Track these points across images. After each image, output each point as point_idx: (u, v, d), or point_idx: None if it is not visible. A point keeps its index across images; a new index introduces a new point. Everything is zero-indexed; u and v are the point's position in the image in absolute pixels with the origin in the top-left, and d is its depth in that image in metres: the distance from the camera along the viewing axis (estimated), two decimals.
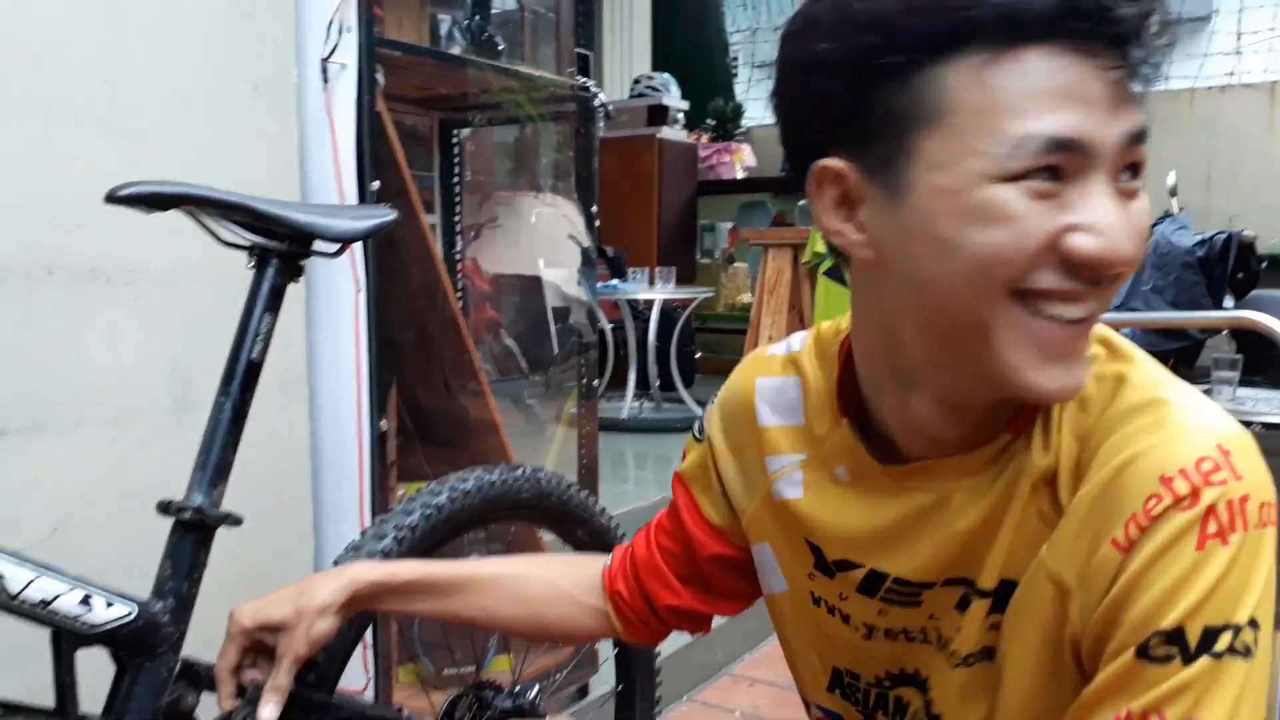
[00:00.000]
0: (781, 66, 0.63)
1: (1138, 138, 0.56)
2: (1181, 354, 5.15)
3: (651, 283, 4.32)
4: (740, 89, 6.74)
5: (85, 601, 0.83)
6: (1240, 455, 0.56)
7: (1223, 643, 0.53)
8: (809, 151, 0.61)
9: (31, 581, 0.79)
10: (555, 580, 0.93)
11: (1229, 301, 4.97)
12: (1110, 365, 0.62)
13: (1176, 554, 0.54)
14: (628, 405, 4.36)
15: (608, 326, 4.54)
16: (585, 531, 1.30)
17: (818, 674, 0.80)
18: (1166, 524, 0.55)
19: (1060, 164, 0.54)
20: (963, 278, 0.56)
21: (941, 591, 0.67)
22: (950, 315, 0.58)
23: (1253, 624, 0.54)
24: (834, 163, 0.60)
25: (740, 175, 5.96)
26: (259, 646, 0.87)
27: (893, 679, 0.74)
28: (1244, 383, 3.11)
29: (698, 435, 0.87)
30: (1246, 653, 0.54)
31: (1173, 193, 5.22)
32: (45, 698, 0.85)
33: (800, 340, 0.80)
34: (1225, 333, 5.23)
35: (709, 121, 6.16)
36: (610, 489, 3.13)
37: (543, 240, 2.44)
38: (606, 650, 1.46)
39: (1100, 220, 0.55)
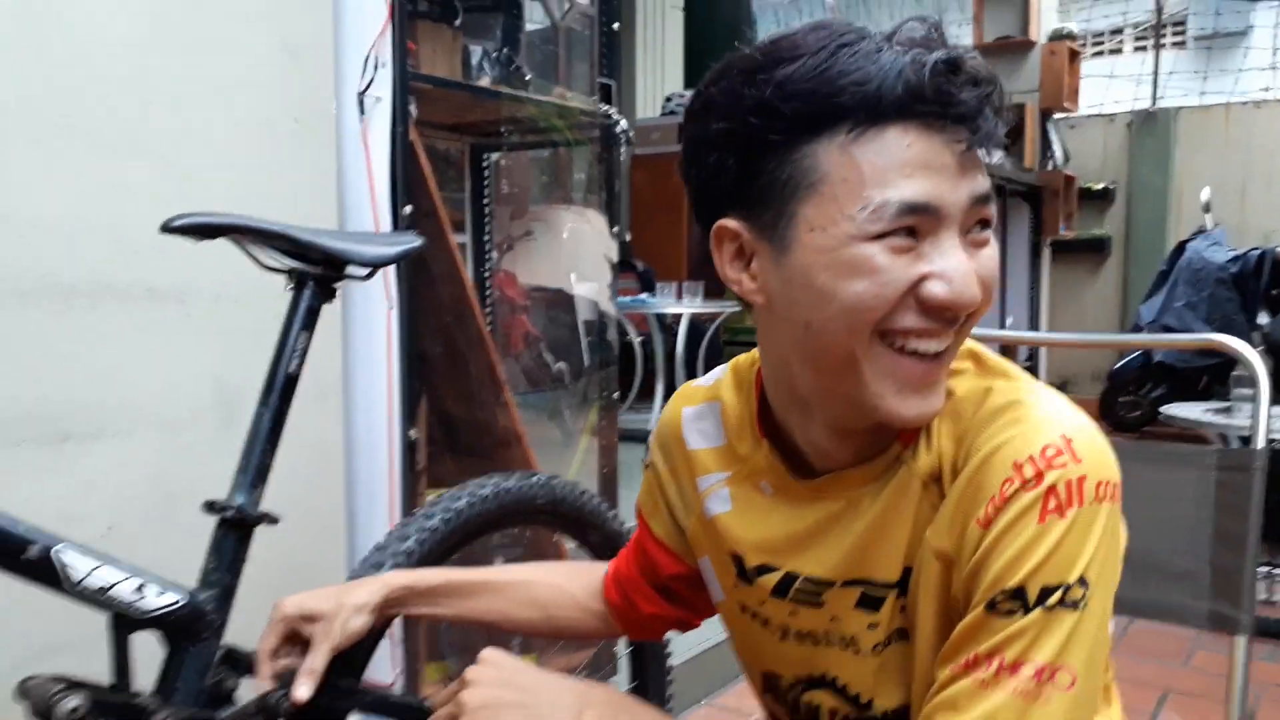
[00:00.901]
0: (685, 142, 0.72)
1: (982, 199, 0.66)
2: (1214, 371, 5.13)
3: (679, 297, 4.41)
4: None
5: (139, 589, 0.92)
6: (1080, 442, 0.65)
7: (1054, 598, 0.63)
8: (711, 212, 0.71)
9: (93, 570, 0.89)
10: (564, 585, 1.02)
11: (1263, 317, 4.95)
12: (979, 379, 0.72)
13: (1023, 527, 0.64)
14: (654, 417, 4.44)
15: (637, 340, 4.63)
16: (598, 536, 1.38)
17: (755, 677, 0.88)
18: (1016, 502, 0.64)
19: (915, 224, 0.64)
20: (837, 321, 0.66)
21: (841, 592, 0.75)
22: (827, 352, 0.68)
23: (1082, 582, 0.63)
24: (730, 223, 0.70)
25: None
26: (297, 637, 0.96)
27: (804, 682, 0.81)
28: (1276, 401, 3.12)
29: (645, 464, 0.96)
30: (1075, 605, 0.63)
31: (1206, 209, 5.21)
32: (105, 678, 0.95)
33: (722, 371, 0.89)
34: (1260, 349, 5.18)
35: None
36: (635, 497, 3.20)
37: (575, 254, 2.52)
38: (624, 651, 1.54)
39: (950, 269, 0.64)
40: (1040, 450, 0.64)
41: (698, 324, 4.65)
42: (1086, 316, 6.28)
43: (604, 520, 1.39)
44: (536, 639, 1.73)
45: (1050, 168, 5.99)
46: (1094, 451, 0.65)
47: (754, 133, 0.65)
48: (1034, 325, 5.90)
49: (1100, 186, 6.36)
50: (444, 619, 0.99)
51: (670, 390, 4.55)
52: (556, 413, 2.52)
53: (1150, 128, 6.23)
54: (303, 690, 0.90)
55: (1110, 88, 6.56)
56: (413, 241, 1.18)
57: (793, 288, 0.67)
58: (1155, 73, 6.36)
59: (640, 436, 4.24)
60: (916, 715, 0.72)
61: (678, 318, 4.45)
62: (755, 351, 0.84)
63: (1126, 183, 6.34)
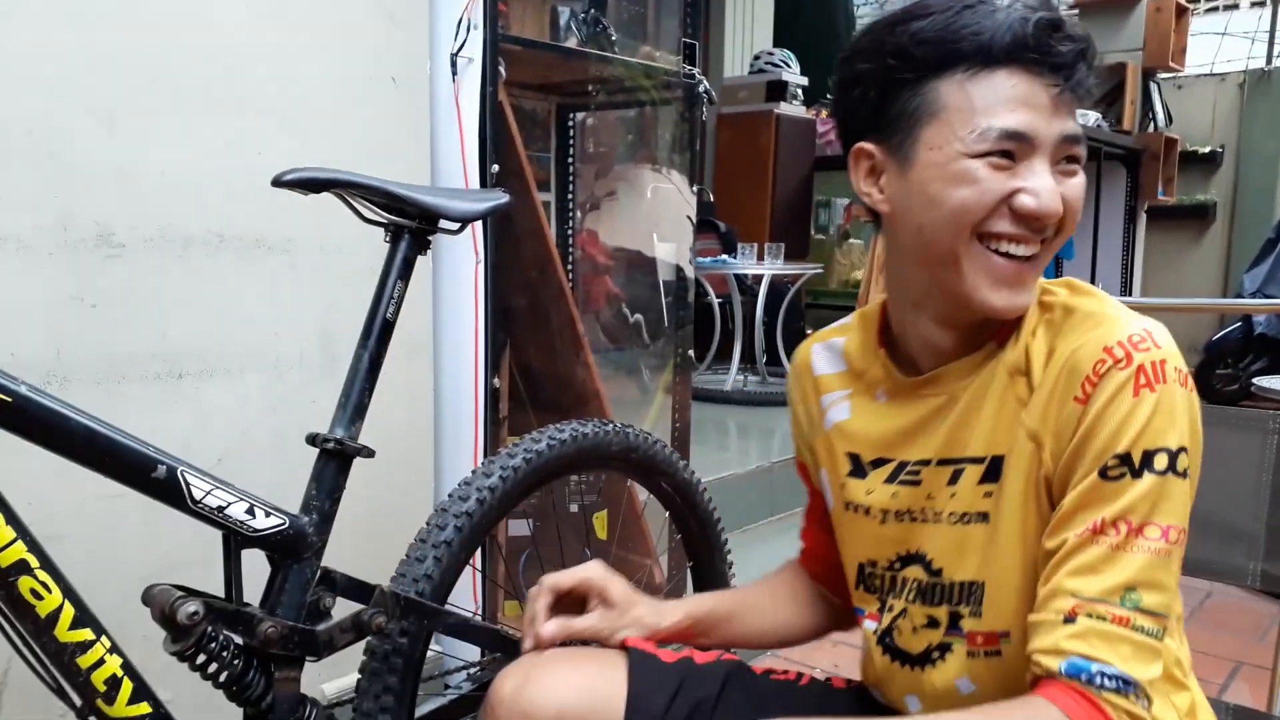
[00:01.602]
0: (836, 84, 0.89)
1: (1072, 139, 0.80)
2: None
3: (760, 258, 4.40)
4: None
5: (250, 511, 1.02)
6: (1158, 335, 0.78)
7: (1160, 462, 0.75)
8: (852, 138, 0.87)
9: (210, 491, 0.99)
10: (794, 591, 1.12)
11: None
12: (1071, 298, 0.85)
13: (1120, 400, 0.76)
14: (731, 378, 4.48)
15: (716, 300, 4.65)
16: (669, 484, 1.44)
17: (851, 575, 0.98)
18: (1111, 380, 0.76)
19: (1012, 149, 0.79)
20: (945, 222, 0.81)
21: (936, 470, 0.88)
22: (936, 250, 0.82)
23: (1182, 450, 0.75)
24: (867, 145, 0.86)
25: None
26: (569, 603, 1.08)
27: (902, 560, 0.93)
28: None
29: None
30: (1184, 474, 0.75)
31: None
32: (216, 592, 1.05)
33: (849, 317, 1.04)
34: None
35: (828, 96, 6.14)
36: (712, 456, 3.27)
37: (657, 215, 2.56)
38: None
39: (1039, 186, 0.79)
40: (1127, 337, 0.77)
41: (778, 286, 4.64)
42: (1184, 285, 6.07)
43: (675, 469, 1.45)
44: None
45: (1151, 129, 5.76)
46: (1169, 344, 0.78)
47: (891, 72, 0.81)
48: (1126, 293, 5.72)
49: (1206, 150, 6.10)
50: (713, 643, 1.08)
51: (748, 352, 4.59)
52: (634, 370, 2.58)
53: (1265, 88, 5.93)
54: (550, 629, 1.05)
55: (1222, 46, 6.26)
56: (500, 198, 1.25)
57: (911, 196, 0.83)
58: (1272, 30, 6.04)
59: (716, 398, 4.28)
60: (990, 587, 0.83)
61: (758, 279, 4.46)
62: (879, 299, 0.98)
63: (1236, 146, 6.07)
